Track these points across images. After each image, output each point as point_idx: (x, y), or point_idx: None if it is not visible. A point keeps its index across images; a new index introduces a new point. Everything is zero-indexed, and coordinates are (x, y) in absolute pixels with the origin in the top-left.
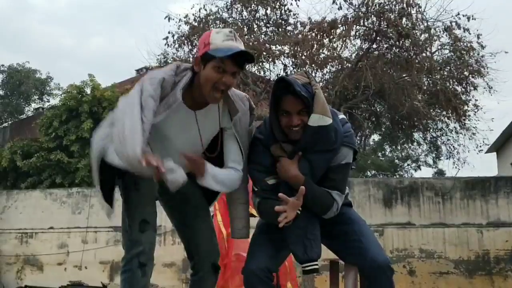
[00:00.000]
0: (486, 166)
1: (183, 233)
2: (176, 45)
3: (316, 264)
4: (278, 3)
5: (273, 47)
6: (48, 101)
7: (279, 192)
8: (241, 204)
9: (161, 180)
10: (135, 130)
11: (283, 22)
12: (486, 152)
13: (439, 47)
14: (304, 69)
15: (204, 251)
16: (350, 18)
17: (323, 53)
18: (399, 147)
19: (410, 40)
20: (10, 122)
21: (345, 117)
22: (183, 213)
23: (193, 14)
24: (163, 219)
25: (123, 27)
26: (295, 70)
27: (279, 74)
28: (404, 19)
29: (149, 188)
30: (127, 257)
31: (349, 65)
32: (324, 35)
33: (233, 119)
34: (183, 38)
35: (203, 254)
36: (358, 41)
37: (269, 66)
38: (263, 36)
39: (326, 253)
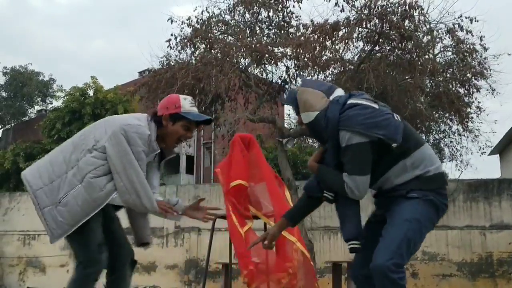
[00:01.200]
0: (489, 168)
1: (108, 240)
2: (179, 48)
3: (354, 243)
4: (280, 6)
5: (276, 49)
6: (51, 103)
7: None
8: (142, 216)
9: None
10: (145, 186)
11: (285, 24)
12: (489, 154)
13: (442, 49)
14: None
15: (126, 251)
16: (353, 20)
17: (326, 55)
18: None
19: (412, 42)
20: (13, 124)
21: (355, 102)
22: (111, 227)
23: (195, 17)
24: (165, 221)
25: (124, 30)
26: (297, 72)
27: (282, 76)
28: (406, 21)
29: (98, 216)
30: (86, 272)
31: (352, 67)
32: (327, 37)
33: (166, 158)
34: (186, 40)
35: (126, 253)
36: (361, 43)
37: (272, 68)
38: (265, 38)
39: (328, 256)
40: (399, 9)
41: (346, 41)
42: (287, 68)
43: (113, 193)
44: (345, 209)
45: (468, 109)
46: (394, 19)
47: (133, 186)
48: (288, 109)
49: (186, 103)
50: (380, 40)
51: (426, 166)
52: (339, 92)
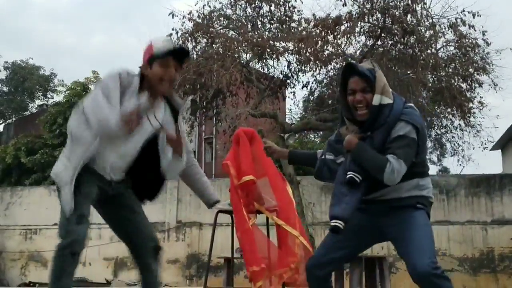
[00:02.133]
0: (491, 163)
1: (126, 229)
2: (180, 42)
3: (339, 223)
4: (282, 0)
5: (277, 44)
6: (52, 98)
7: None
8: (203, 176)
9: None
10: (103, 112)
11: (287, 18)
12: (491, 150)
13: (444, 44)
14: (369, 59)
15: (147, 238)
16: (355, 15)
17: (328, 50)
18: None
19: (415, 37)
20: (14, 119)
21: (413, 105)
22: (124, 217)
23: (197, 11)
24: (166, 215)
25: (124, 24)
26: (299, 67)
27: (283, 71)
28: (409, 16)
29: (90, 192)
30: (62, 244)
31: (354, 62)
32: (329, 31)
33: (179, 119)
34: (187, 35)
35: (147, 241)
36: (363, 38)
37: (273, 63)
38: (267, 32)
39: None
40: (402, 4)
41: (348, 35)
42: (289, 63)
43: (95, 139)
44: (348, 190)
45: (470, 104)
46: (397, 13)
47: (97, 117)
48: (289, 104)
49: (158, 42)
50: (382, 34)
51: (429, 192)
52: None
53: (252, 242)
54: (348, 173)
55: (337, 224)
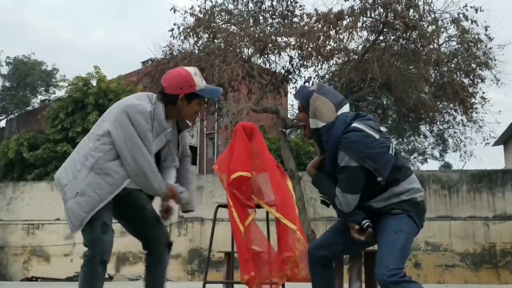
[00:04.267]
0: (493, 159)
1: (140, 229)
2: (182, 37)
3: (326, 199)
4: None
5: (279, 39)
6: (54, 93)
7: None
8: (189, 184)
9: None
10: (152, 168)
11: (289, 13)
12: (493, 145)
13: (447, 39)
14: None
15: (161, 236)
16: (357, 10)
17: (330, 45)
18: (405, 140)
19: (417, 32)
20: (16, 114)
21: (359, 127)
22: (138, 217)
23: (198, 6)
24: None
25: (124, 20)
26: (301, 62)
27: (285, 66)
28: (411, 11)
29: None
30: (90, 254)
31: (356, 57)
32: (331, 26)
33: (182, 132)
34: (189, 30)
35: (159, 237)
36: (365, 33)
37: (275, 58)
38: (269, 27)
39: None
40: None
41: (350, 30)
42: (291, 58)
43: (128, 178)
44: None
45: (473, 100)
46: (399, 8)
47: (140, 169)
48: (291, 100)
49: (198, 79)
50: (385, 29)
51: (412, 194)
52: (346, 108)
53: (244, 251)
54: (321, 196)
55: (324, 200)
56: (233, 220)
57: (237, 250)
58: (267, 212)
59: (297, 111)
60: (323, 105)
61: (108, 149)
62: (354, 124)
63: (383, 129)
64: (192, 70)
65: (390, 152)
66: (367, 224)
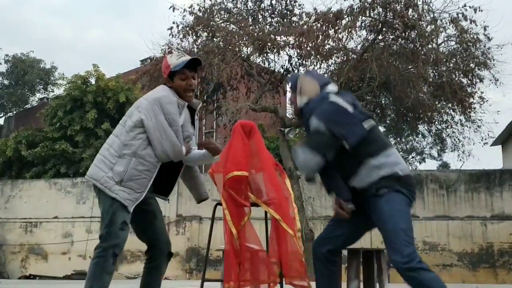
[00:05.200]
0: (491, 159)
1: (147, 233)
2: (181, 36)
3: (311, 179)
4: None
5: (278, 38)
6: (53, 91)
7: None
8: (199, 175)
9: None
10: (177, 149)
11: (288, 12)
12: (491, 145)
13: (445, 39)
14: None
15: (164, 243)
16: (356, 9)
17: (328, 44)
18: (403, 140)
19: (416, 32)
20: (14, 112)
21: (333, 100)
22: (148, 221)
23: (197, 4)
24: (166, 209)
25: (122, 18)
26: (300, 61)
27: (284, 65)
28: (410, 10)
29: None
30: (104, 245)
31: (355, 56)
32: (330, 25)
33: (197, 109)
34: (188, 28)
35: (163, 246)
36: (364, 32)
37: (274, 57)
38: (268, 26)
39: None
40: None
41: (349, 30)
42: (290, 57)
43: (158, 164)
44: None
45: (471, 99)
46: (398, 7)
47: (166, 154)
48: (290, 99)
49: (173, 58)
50: (384, 29)
51: (391, 168)
52: (331, 87)
53: (231, 255)
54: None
55: (309, 178)
56: (226, 222)
57: (224, 253)
58: (266, 212)
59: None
60: (308, 83)
61: (144, 137)
62: (330, 99)
63: (381, 128)
64: (170, 53)
65: (366, 127)
66: (307, 178)
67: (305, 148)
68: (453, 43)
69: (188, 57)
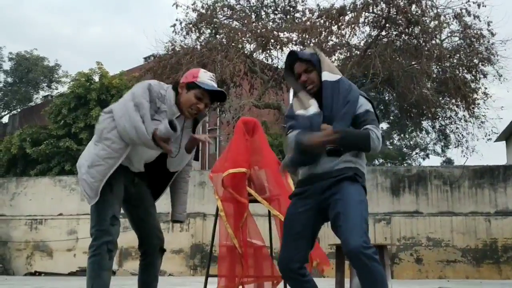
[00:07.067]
0: (495, 154)
1: (139, 227)
2: (184, 33)
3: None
4: None
5: (281, 34)
6: (57, 89)
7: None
8: (184, 193)
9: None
10: (137, 127)
11: (291, 9)
12: (495, 141)
13: (449, 35)
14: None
15: (156, 239)
16: (359, 5)
17: (332, 40)
18: (407, 136)
19: (419, 27)
20: (19, 110)
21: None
22: (140, 213)
23: (201, 1)
24: (169, 206)
25: (122, 15)
26: None
27: None
28: (413, 6)
29: (120, 192)
30: (97, 243)
31: (358, 52)
32: (333, 22)
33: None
34: (191, 25)
35: (155, 242)
36: (367, 28)
37: (277, 53)
38: (271, 23)
39: (332, 240)
40: None
41: (353, 26)
42: None
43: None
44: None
45: (475, 95)
46: (401, 3)
47: (125, 130)
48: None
49: (205, 75)
50: (387, 25)
51: (364, 163)
52: None
53: (226, 267)
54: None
55: (295, 146)
56: (222, 226)
57: (219, 251)
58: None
59: (297, 75)
60: (331, 63)
61: (109, 121)
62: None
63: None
64: (206, 71)
65: None
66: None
67: (378, 128)
68: (457, 38)
69: (216, 87)
